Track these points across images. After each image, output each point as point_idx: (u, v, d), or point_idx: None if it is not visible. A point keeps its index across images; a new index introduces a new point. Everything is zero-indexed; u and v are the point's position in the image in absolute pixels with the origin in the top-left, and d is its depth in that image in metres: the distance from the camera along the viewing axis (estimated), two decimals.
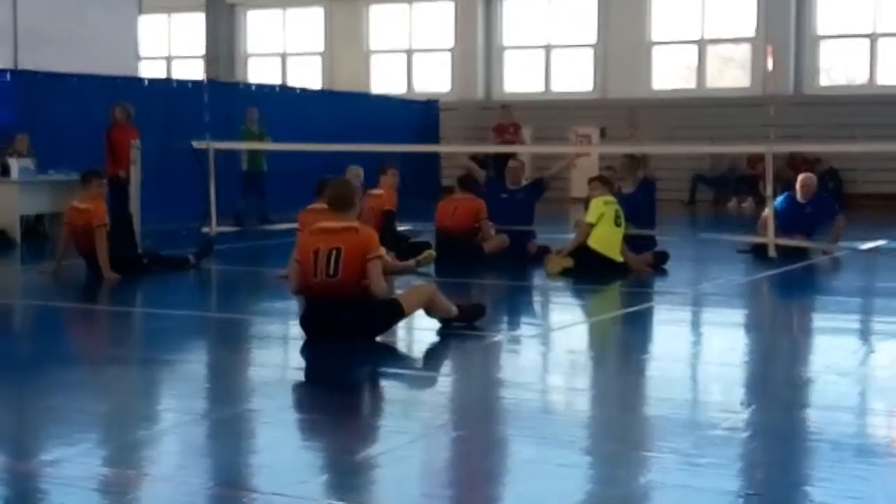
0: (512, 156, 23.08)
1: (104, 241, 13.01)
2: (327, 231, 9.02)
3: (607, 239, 13.49)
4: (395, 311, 9.08)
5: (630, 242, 13.78)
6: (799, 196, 15.51)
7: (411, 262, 13.46)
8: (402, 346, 9.46)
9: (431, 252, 13.98)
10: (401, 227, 16.03)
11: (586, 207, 14.06)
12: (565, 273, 13.21)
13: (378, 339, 9.01)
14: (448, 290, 10.23)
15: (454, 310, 9.48)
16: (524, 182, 15.90)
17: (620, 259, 13.50)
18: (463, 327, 9.45)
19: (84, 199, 13.26)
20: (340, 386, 7.94)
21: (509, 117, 26.23)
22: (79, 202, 13.28)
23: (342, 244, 8.87)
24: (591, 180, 14.52)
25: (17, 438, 6.50)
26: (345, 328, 8.85)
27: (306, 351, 8.88)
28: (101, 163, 17.80)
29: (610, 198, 13.77)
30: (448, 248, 14.39)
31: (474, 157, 26.56)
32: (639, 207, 14.29)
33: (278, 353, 9.50)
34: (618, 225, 13.54)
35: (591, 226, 13.51)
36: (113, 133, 18.21)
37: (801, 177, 15.89)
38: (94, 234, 12.97)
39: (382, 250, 9.38)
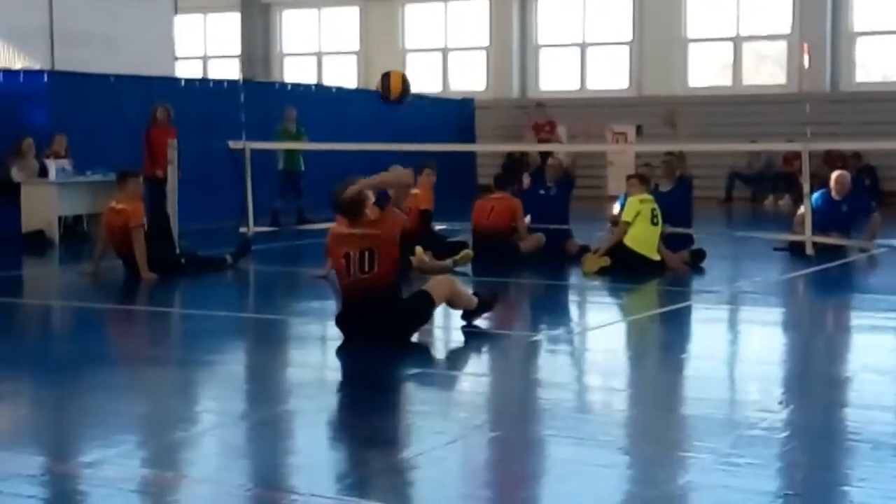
0: (549, 154, 23.02)
1: (142, 241, 13.07)
2: (351, 238, 9.05)
3: (644, 237, 13.47)
4: (426, 301, 9.16)
5: (667, 240, 13.77)
6: (834, 193, 15.45)
7: (448, 261, 13.45)
8: (439, 347, 9.47)
9: (469, 252, 13.96)
10: (438, 227, 16.03)
11: (622, 205, 14.05)
12: (602, 272, 13.20)
13: (415, 339, 9.04)
14: (483, 289, 10.23)
15: (474, 300, 9.59)
16: None
17: (657, 257, 13.48)
18: (491, 326, 9.49)
19: (121, 199, 13.33)
20: (378, 386, 7.96)
21: (544, 115, 26.21)
22: (116, 202, 13.35)
23: (373, 245, 8.93)
24: (628, 178, 14.55)
25: (56, 439, 6.55)
26: (381, 322, 8.88)
27: (343, 351, 8.90)
28: (138, 163, 17.89)
29: (647, 196, 13.76)
30: (485, 247, 14.39)
31: (510, 155, 26.74)
32: (676, 205, 14.27)
33: (316, 353, 9.53)
34: (654, 223, 13.53)
35: (628, 224, 13.51)
36: (152, 133, 18.30)
37: (835, 174, 15.81)
38: (132, 235, 13.03)
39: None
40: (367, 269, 8.91)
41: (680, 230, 14.24)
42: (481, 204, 15.17)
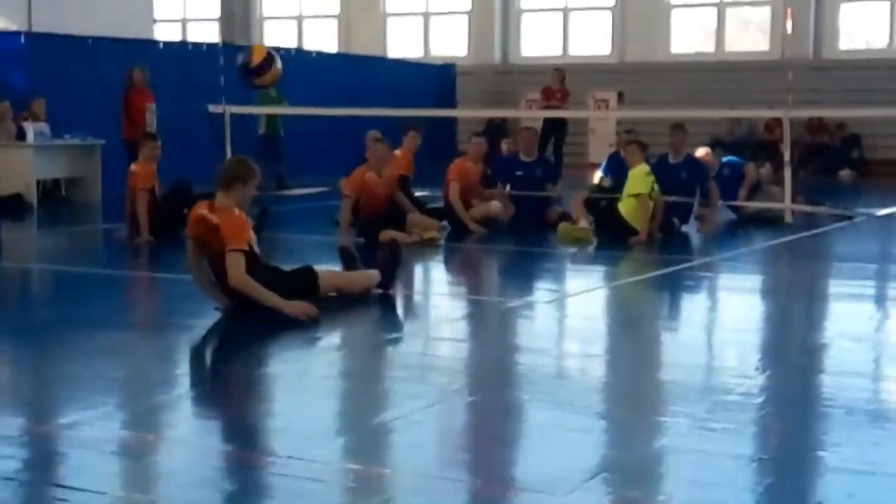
0: (562, 121, 22.56)
1: (143, 203, 13.05)
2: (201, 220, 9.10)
3: (638, 209, 13.33)
4: (310, 278, 8.99)
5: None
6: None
7: (416, 238, 13.15)
8: (418, 312, 9.48)
9: (436, 234, 13.62)
10: (419, 193, 15.91)
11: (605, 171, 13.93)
12: (578, 239, 13.19)
13: (397, 307, 9.04)
14: (461, 256, 10.15)
15: (374, 277, 9.34)
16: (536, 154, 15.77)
17: (639, 228, 13.46)
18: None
19: (139, 162, 13.53)
20: (356, 351, 7.99)
21: (560, 82, 23.94)
22: (135, 165, 13.51)
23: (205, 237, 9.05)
24: (628, 143, 14.27)
25: (36, 401, 6.54)
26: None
27: (322, 316, 8.88)
28: (116, 125, 17.83)
29: (648, 169, 13.57)
30: (451, 216, 14.27)
31: (491, 122, 26.62)
32: (681, 182, 14.20)
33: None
34: (651, 199, 13.45)
35: (649, 196, 13.33)
36: (130, 95, 18.21)
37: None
38: (136, 197, 13.06)
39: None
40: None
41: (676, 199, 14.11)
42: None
